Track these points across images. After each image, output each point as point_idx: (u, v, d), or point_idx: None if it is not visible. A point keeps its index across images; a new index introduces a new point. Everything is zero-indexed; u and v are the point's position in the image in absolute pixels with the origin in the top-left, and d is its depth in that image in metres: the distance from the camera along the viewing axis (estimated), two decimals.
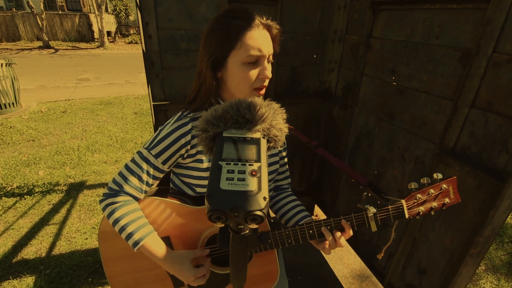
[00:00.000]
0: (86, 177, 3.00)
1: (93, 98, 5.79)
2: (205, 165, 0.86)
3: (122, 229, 0.81)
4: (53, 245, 2.08)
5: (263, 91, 0.81)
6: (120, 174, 0.84)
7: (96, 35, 14.89)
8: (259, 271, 0.90)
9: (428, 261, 1.40)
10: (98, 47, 13.43)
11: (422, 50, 1.33)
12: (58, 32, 14.41)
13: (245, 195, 0.31)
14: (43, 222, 2.31)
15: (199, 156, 0.85)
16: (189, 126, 0.82)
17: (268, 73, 0.78)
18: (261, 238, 0.37)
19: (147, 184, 0.85)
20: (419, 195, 0.78)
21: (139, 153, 0.84)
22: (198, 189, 0.89)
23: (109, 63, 10.09)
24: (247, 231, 0.36)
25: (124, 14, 15.26)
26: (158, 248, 0.83)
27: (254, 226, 0.32)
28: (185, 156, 0.85)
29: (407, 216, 0.79)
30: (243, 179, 0.33)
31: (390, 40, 1.50)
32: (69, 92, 6.17)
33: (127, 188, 0.83)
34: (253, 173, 0.34)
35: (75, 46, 13.42)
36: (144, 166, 0.82)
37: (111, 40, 15.04)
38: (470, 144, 1.17)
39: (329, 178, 2.21)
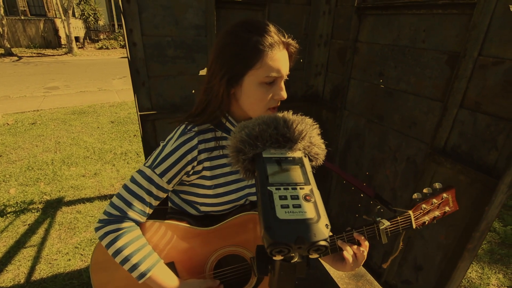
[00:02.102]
0: (63, 193, 2.81)
1: (65, 108, 5.48)
2: (211, 182, 0.81)
3: (126, 260, 0.73)
4: (32, 270, 1.92)
5: (276, 110, 0.77)
6: (120, 197, 0.76)
7: (63, 41, 14.16)
8: None
9: (424, 257, 1.44)
10: (66, 53, 12.77)
11: (409, 53, 1.37)
12: (21, 38, 13.53)
13: (306, 224, 0.29)
14: (19, 245, 2.12)
15: (204, 173, 0.81)
16: (195, 141, 0.77)
17: (284, 94, 0.74)
18: (310, 264, 0.35)
19: (151, 206, 0.78)
20: (424, 205, 0.80)
21: (140, 172, 0.77)
22: (203, 208, 0.84)
23: (79, 70, 9.62)
24: (296, 259, 0.34)
25: (93, 19, 14.64)
26: (166, 279, 0.76)
27: (315, 256, 0.30)
28: (190, 173, 0.80)
29: (414, 226, 0.80)
30: (299, 206, 0.30)
31: (377, 44, 1.54)
32: (38, 102, 5.79)
33: (130, 213, 0.76)
34: (307, 197, 0.31)
35: (40, 53, 12.67)
36: (148, 186, 0.76)
37: (80, 46, 14.37)
38: (460, 143, 1.22)
39: (320, 178, 2.23)
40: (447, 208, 0.82)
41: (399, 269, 1.60)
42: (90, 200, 2.71)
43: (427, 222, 0.81)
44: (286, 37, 0.74)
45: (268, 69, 0.70)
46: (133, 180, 0.77)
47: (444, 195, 0.80)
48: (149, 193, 0.76)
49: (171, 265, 0.82)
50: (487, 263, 2.15)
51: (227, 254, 0.84)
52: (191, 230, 0.81)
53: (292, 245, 0.28)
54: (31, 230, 2.28)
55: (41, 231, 2.27)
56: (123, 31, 1.42)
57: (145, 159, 1.75)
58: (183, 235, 0.81)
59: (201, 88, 0.82)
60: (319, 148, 0.41)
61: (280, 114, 0.44)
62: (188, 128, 0.78)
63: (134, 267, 0.74)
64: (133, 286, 0.80)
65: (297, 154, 0.38)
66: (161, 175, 0.76)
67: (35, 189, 2.83)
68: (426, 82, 1.32)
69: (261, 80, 0.71)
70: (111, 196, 2.80)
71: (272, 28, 0.72)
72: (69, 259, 2.01)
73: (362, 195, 1.83)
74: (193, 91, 1.73)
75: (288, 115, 0.44)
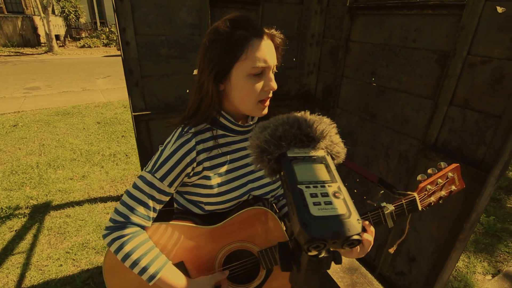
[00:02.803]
0: (50, 197, 2.72)
1: (47, 109, 5.30)
2: (213, 181, 0.82)
3: (135, 263, 0.74)
4: (22, 277, 1.86)
5: (267, 103, 0.78)
6: (123, 203, 0.77)
7: (43, 39, 13.65)
8: (282, 283, 0.89)
9: (417, 249, 1.50)
10: (46, 52, 12.32)
11: (401, 53, 1.42)
12: None
13: (339, 219, 0.30)
14: (7, 251, 2.05)
15: (205, 173, 0.81)
16: (193, 143, 0.77)
17: (274, 84, 0.75)
18: (336, 259, 0.36)
19: (154, 210, 0.79)
20: (428, 186, 0.82)
21: (141, 178, 0.78)
22: (208, 207, 0.85)
23: (61, 69, 9.32)
24: (323, 254, 0.35)
25: (74, 16, 14.17)
26: (176, 278, 0.77)
27: (347, 249, 0.32)
28: (191, 174, 0.80)
29: (420, 208, 0.81)
30: (330, 202, 0.32)
31: (369, 43, 1.58)
32: (18, 103, 5.57)
33: (134, 218, 0.76)
34: (336, 194, 0.33)
35: (18, 52, 12.17)
36: (150, 191, 0.76)
37: (61, 45, 13.89)
38: (450, 139, 1.27)
39: None
40: (453, 187, 0.83)
41: (393, 261, 1.66)
42: (79, 203, 2.64)
43: (433, 203, 0.82)
44: (269, 29, 0.76)
45: (254, 59, 0.71)
46: (135, 186, 0.78)
47: (450, 174, 0.82)
48: (152, 197, 0.77)
49: (180, 265, 0.83)
50: (472, 252, 2.25)
51: (234, 249, 0.85)
52: (198, 229, 0.82)
53: (329, 240, 0.30)
54: (19, 236, 2.20)
55: (29, 237, 2.20)
56: (116, 30, 1.39)
57: (139, 160, 1.73)
58: (190, 234, 0.82)
59: (193, 88, 0.82)
60: (340, 147, 0.43)
61: (298, 114, 0.45)
62: (185, 130, 0.79)
63: (143, 270, 0.74)
64: (146, 287, 0.81)
65: (320, 153, 0.40)
66: (162, 179, 0.76)
67: (21, 193, 2.73)
68: (417, 81, 1.37)
69: (248, 71, 0.72)
70: (101, 199, 2.75)
71: (254, 22, 0.74)
72: (61, 265, 1.96)
73: (356, 191, 1.88)
74: (187, 91, 1.72)
75: (307, 115, 0.45)
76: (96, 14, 17.14)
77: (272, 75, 0.76)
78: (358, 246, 0.76)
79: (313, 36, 1.95)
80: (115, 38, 14.95)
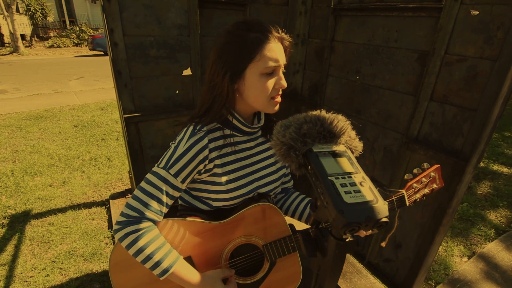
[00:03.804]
0: (30, 205, 2.60)
1: (18, 113, 5.00)
2: (223, 178, 0.84)
3: (148, 258, 0.76)
4: None
5: (279, 99, 0.83)
6: (137, 198, 0.78)
7: (7, 39, 12.81)
8: (283, 275, 0.93)
9: (403, 236, 1.60)
10: (11, 53, 11.58)
11: (383, 52, 1.50)
12: None
13: (369, 205, 0.34)
14: None
15: (216, 170, 0.84)
16: (206, 141, 0.80)
17: (284, 82, 0.80)
18: (358, 242, 0.41)
19: (167, 206, 0.81)
20: (415, 184, 0.90)
21: (154, 173, 0.79)
22: (216, 203, 0.87)
23: (29, 71, 8.81)
24: (349, 238, 0.39)
25: (40, 15, 13.39)
26: (188, 273, 0.80)
27: (375, 231, 0.36)
28: (202, 171, 0.83)
29: (407, 204, 0.90)
30: (359, 191, 0.36)
31: (353, 43, 1.65)
32: None
33: (148, 213, 0.78)
34: (362, 183, 0.37)
35: None
36: (164, 187, 0.78)
37: (27, 45, 13.12)
38: (431, 132, 1.37)
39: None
40: (434, 186, 0.92)
41: (380, 249, 1.75)
42: (61, 210, 2.54)
43: (418, 199, 0.91)
44: (280, 32, 0.81)
45: (267, 59, 0.76)
46: (148, 181, 0.79)
47: (432, 173, 0.91)
48: (165, 193, 0.79)
49: (188, 260, 0.85)
50: (449, 237, 2.42)
51: (240, 244, 0.88)
52: (205, 224, 0.84)
53: (362, 223, 0.34)
54: None
55: (10, 248, 2.09)
56: (105, 31, 1.36)
57: (130, 163, 1.70)
58: (197, 230, 0.84)
59: (203, 89, 0.85)
60: (357, 141, 0.47)
61: (315, 113, 0.49)
62: (198, 128, 0.82)
63: (157, 264, 0.75)
64: (153, 282, 0.83)
65: (341, 147, 0.44)
66: (176, 175, 0.79)
67: None
68: (399, 78, 1.46)
69: (261, 71, 0.77)
70: (85, 205, 2.66)
71: (266, 24, 0.79)
72: (47, 275, 1.89)
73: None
74: (177, 92, 1.71)
75: (323, 113, 0.49)
76: (65, 12, 16.32)
77: (282, 74, 0.81)
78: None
79: (298, 36, 2.00)
80: (86, 38, 14.32)
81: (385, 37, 1.48)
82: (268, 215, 0.87)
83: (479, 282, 1.98)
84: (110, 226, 2.36)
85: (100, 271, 1.94)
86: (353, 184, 0.36)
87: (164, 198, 0.79)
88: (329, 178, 0.37)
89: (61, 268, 1.95)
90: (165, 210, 0.81)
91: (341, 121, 0.47)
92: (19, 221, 2.37)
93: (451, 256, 2.23)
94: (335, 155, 0.42)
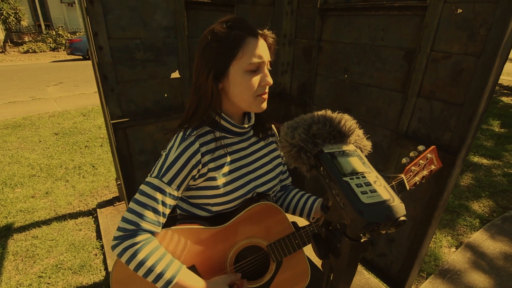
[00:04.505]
0: (11, 218, 2.47)
1: None
2: (219, 181, 0.83)
3: (150, 270, 0.73)
4: None
5: (266, 96, 0.82)
6: (131, 211, 0.75)
7: None
8: (291, 274, 0.92)
9: (396, 230, 1.63)
10: None
11: (370, 50, 1.53)
12: None
13: (386, 204, 0.34)
14: None
15: (210, 174, 0.82)
16: (197, 145, 0.79)
17: (270, 79, 0.79)
18: (372, 241, 0.40)
19: (163, 215, 0.78)
20: (413, 167, 0.90)
21: (148, 183, 0.77)
22: (215, 208, 0.85)
23: (4, 77, 8.42)
24: (364, 238, 0.39)
25: (14, 19, 12.83)
26: (193, 281, 0.77)
27: (392, 230, 0.35)
28: (196, 176, 0.81)
29: (408, 188, 0.89)
30: (375, 190, 0.35)
31: (340, 42, 1.67)
32: None
33: (144, 224, 0.75)
34: (377, 183, 0.36)
35: None
36: (158, 196, 0.76)
37: (0, 51, 12.53)
38: (420, 127, 1.40)
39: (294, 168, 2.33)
40: (432, 167, 0.93)
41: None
42: (46, 222, 2.43)
43: (418, 182, 0.91)
44: (262, 30, 0.80)
45: (250, 55, 0.75)
46: (141, 192, 0.77)
47: (428, 155, 0.92)
48: (160, 202, 0.76)
49: (192, 269, 0.82)
50: (437, 228, 2.49)
51: (244, 246, 0.87)
52: (206, 230, 0.82)
53: (382, 223, 0.33)
54: None
55: None
56: (88, 34, 1.31)
57: (119, 169, 1.65)
58: (199, 237, 0.82)
59: (190, 91, 0.84)
60: (365, 140, 0.47)
61: (320, 113, 0.48)
62: (187, 133, 0.80)
63: (159, 276, 0.73)
64: None
65: (351, 147, 0.43)
66: (169, 183, 0.77)
67: None
68: (387, 76, 1.49)
69: (245, 67, 0.76)
70: (70, 215, 2.55)
71: (247, 22, 0.78)
72: None
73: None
74: (166, 95, 1.68)
75: (329, 113, 0.48)
76: (40, 16, 15.71)
77: (267, 71, 0.80)
78: None
79: (285, 36, 2.01)
80: (63, 42, 13.83)
81: (371, 36, 1.51)
82: (269, 214, 0.86)
83: (468, 271, 2.05)
84: (98, 236, 2.28)
85: (90, 283, 1.87)
86: (368, 184, 0.36)
87: (160, 208, 0.76)
88: (343, 178, 0.37)
89: (49, 283, 1.86)
90: (162, 220, 0.78)
91: (349, 121, 0.46)
92: (1, 236, 2.25)
93: (440, 247, 2.29)
94: (346, 155, 0.41)
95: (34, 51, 13.33)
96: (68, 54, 11.69)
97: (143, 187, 0.77)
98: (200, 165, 0.80)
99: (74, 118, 5.08)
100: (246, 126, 0.88)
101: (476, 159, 3.79)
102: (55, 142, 4.07)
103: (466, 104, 1.19)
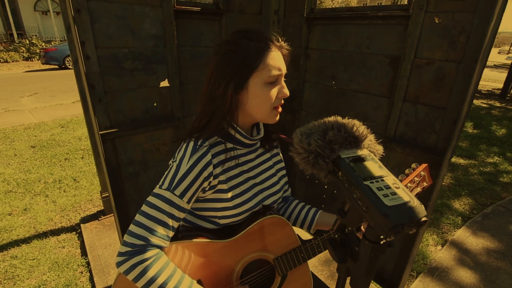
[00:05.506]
0: None
1: None
2: (229, 194, 0.81)
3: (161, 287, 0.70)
4: None
5: (280, 109, 0.82)
6: (140, 224, 0.72)
7: None
8: (295, 287, 0.91)
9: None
10: None
11: (357, 58, 1.58)
12: None
13: (408, 206, 0.35)
14: None
15: (220, 186, 0.80)
16: (209, 156, 0.77)
17: (287, 91, 0.80)
18: (390, 243, 0.41)
19: (173, 229, 0.75)
20: (409, 184, 0.94)
21: (158, 196, 0.74)
22: (223, 221, 0.83)
23: None
24: (384, 240, 0.40)
25: None
26: None
27: (414, 231, 0.36)
28: (206, 189, 0.79)
29: None
30: (395, 193, 0.36)
31: (327, 50, 1.72)
32: None
33: (154, 240, 0.71)
34: (395, 185, 0.38)
35: None
36: (170, 210, 0.73)
37: None
38: (406, 131, 1.46)
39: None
40: (424, 184, 0.97)
41: None
42: (25, 241, 2.29)
43: None
44: (279, 40, 0.81)
45: (270, 68, 0.75)
46: (151, 205, 0.73)
47: (422, 172, 0.96)
48: (172, 216, 0.73)
49: (198, 283, 0.79)
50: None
51: (251, 260, 0.86)
52: (213, 244, 0.80)
53: (406, 224, 0.34)
54: None
55: None
56: (75, 43, 1.28)
57: (108, 181, 1.59)
58: (205, 251, 0.80)
59: (200, 101, 0.82)
60: (377, 145, 0.48)
61: (331, 119, 0.49)
62: (199, 143, 0.77)
63: None
64: None
65: (365, 152, 0.44)
66: (181, 195, 0.74)
67: None
68: (373, 82, 1.54)
69: (265, 80, 0.75)
70: (52, 232, 2.43)
71: (266, 34, 0.78)
72: None
73: (326, 186, 2.01)
74: (155, 104, 1.65)
75: (340, 119, 0.50)
76: (12, 24, 15.08)
77: (283, 83, 0.81)
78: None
79: None
80: (38, 51, 13.32)
81: (358, 44, 1.56)
82: (278, 228, 0.85)
83: (455, 268, 2.12)
84: (83, 253, 2.18)
85: None
86: (387, 187, 0.37)
87: (171, 222, 0.73)
88: (365, 183, 0.38)
89: None
90: (171, 234, 0.75)
91: (360, 126, 0.48)
92: None
93: (427, 246, 2.37)
94: (362, 159, 0.43)
95: (6, 61, 12.74)
96: (43, 64, 11.25)
97: (152, 199, 0.74)
98: (212, 177, 0.78)
99: (52, 130, 4.87)
100: (256, 138, 0.87)
101: (453, 159, 3.98)
102: (32, 155, 3.88)
103: (449, 107, 1.26)
